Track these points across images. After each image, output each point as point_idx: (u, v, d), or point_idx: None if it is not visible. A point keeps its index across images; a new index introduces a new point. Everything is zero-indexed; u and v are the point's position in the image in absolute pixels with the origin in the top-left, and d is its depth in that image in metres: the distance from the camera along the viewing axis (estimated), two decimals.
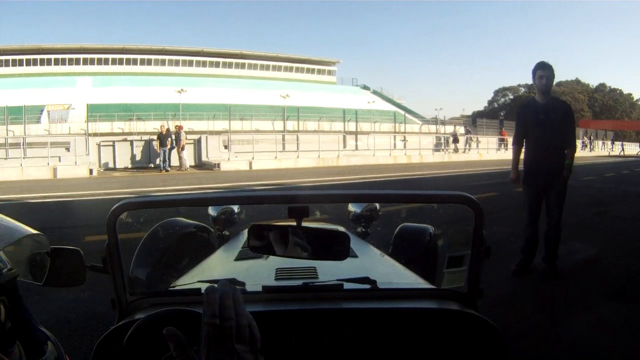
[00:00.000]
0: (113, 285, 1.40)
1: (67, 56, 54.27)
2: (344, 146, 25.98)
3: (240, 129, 30.99)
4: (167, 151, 19.92)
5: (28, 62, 53.20)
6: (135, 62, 56.13)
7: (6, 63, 52.30)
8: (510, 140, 6.36)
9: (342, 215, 3.17)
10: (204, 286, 1.37)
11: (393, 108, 53.23)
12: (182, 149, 20.31)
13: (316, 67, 64.98)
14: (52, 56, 53.85)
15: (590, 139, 49.31)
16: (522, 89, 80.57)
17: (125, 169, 21.10)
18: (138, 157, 21.75)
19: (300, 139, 24.96)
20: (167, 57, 57.35)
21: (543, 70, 4.63)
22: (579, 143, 37.78)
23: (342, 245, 1.30)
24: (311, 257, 1.34)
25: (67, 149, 19.99)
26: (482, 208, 1.32)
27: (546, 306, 4.06)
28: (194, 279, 1.75)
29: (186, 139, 20.95)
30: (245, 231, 1.54)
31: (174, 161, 20.40)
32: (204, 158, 21.87)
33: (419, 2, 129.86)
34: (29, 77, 48.50)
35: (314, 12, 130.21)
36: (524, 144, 4.87)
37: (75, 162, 18.76)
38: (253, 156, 21.44)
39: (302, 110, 37.10)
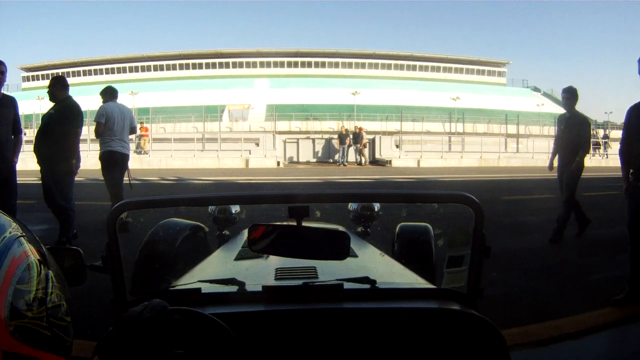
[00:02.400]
0: (113, 285, 1.44)
1: (244, 60, 60.03)
2: (505, 148, 27.17)
3: (411, 130, 33.09)
4: (346, 148, 23.27)
5: (207, 66, 59.65)
6: (309, 64, 59.79)
7: (186, 66, 59.26)
8: None
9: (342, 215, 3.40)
10: (204, 286, 1.54)
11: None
12: (364, 146, 23.69)
13: (486, 68, 62.80)
14: (230, 60, 59.99)
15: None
16: None
17: (307, 162, 24.88)
18: (319, 153, 25.60)
19: (465, 140, 26.94)
20: (340, 60, 59.99)
21: (565, 93, 6.50)
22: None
23: (342, 245, 1.36)
24: (311, 257, 1.44)
25: (257, 144, 24.01)
26: (482, 208, 1.40)
27: (566, 248, 6.04)
28: (194, 279, 1.78)
29: (364, 138, 24.05)
30: (245, 231, 1.62)
31: (351, 157, 23.63)
32: (377, 155, 24.71)
33: (593, 1, 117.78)
34: (209, 79, 55.15)
35: (484, 11, 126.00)
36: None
37: (265, 155, 22.61)
38: (421, 155, 23.97)
39: (472, 112, 37.71)
